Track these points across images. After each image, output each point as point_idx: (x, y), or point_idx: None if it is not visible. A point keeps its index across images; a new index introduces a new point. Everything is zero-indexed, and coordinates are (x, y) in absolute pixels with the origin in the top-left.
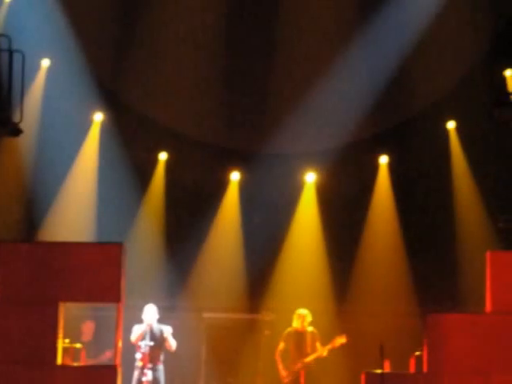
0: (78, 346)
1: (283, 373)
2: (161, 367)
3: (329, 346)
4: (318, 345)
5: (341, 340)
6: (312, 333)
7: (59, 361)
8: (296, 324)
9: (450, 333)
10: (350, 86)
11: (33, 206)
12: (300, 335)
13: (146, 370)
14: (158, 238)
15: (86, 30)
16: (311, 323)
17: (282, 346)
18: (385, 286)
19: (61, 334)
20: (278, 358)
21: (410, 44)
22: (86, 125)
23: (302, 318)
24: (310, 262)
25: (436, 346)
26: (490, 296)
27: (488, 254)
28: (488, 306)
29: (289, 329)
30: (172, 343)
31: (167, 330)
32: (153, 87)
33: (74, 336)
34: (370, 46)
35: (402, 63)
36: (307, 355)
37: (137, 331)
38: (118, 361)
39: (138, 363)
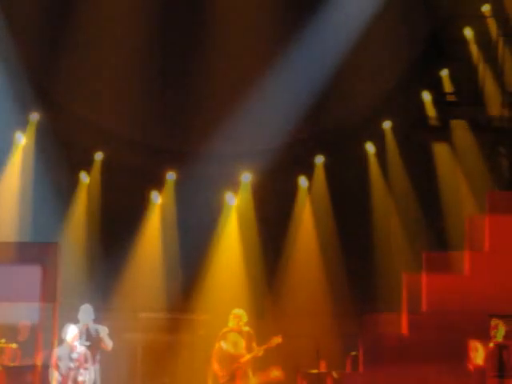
0: (14, 345)
1: (219, 373)
2: (96, 367)
3: (265, 346)
4: (253, 345)
5: (276, 340)
6: (248, 333)
7: None
8: (232, 324)
9: (385, 333)
10: (287, 86)
11: None
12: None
13: (81, 370)
14: (92, 238)
15: (21, 30)
16: (247, 323)
17: (218, 345)
18: (320, 286)
19: None
20: (214, 357)
21: (347, 45)
22: (22, 124)
23: (238, 318)
24: (246, 261)
25: (371, 346)
26: (426, 296)
27: (424, 255)
28: (423, 306)
29: (225, 329)
30: (108, 343)
31: (103, 330)
32: (89, 88)
33: (10, 336)
34: (308, 46)
35: (339, 64)
36: (243, 355)
37: (72, 331)
38: (54, 361)
39: (74, 363)
